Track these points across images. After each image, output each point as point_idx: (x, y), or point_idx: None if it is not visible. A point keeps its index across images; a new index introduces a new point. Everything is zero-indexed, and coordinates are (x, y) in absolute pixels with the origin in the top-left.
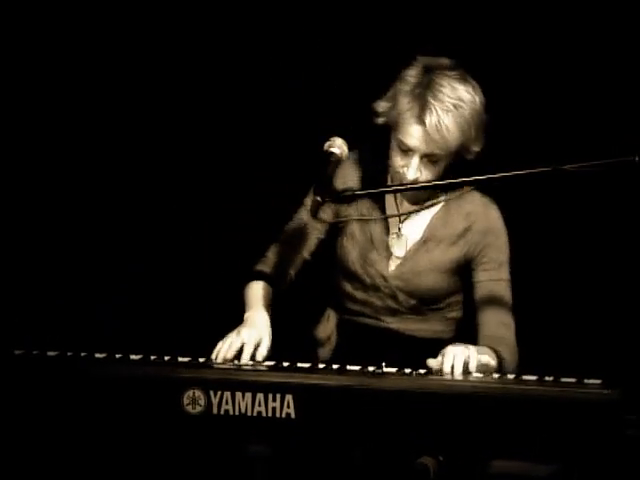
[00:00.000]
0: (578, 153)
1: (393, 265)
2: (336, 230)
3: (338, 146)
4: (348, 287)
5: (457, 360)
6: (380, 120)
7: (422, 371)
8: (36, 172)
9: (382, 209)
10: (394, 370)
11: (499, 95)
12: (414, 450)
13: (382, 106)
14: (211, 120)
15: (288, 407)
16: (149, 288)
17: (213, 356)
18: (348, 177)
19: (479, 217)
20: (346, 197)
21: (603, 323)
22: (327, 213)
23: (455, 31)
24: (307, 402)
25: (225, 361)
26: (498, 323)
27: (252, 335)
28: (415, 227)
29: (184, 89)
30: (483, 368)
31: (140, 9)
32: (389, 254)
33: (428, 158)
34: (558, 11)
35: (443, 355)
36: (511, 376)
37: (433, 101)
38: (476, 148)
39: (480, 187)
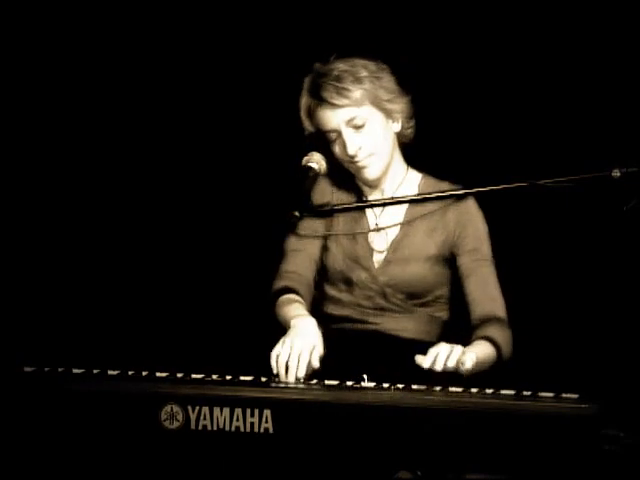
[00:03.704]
0: (556, 168)
1: (378, 260)
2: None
3: (316, 161)
4: (334, 292)
5: (440, 355)
6: (315, 140)
7: (400, 385)
8: (35, 181)
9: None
10: (372, 385)
11: (481, 108)
12: (392, 465)
13: (304, 125)
14: (213, 127)
15: (266, 422)
16: (141, 298)
17: (275, 370)
18: (325, 192)
19: (452, 202)
20: (324, 212)
21: (581, 337)
22: (319, 228)
23: (434, 46)
24: (285, 417)
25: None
26: (486, 303)
27: (305, 344)
28: (392, 218)
29: (184, 93)
30: (482, 366)
31: (133, 10)
32: (372, 250)
33: (353, 126)
34: (532, 24)
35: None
36: (489, 390)
37: (324, 79)
38: (392, 96)
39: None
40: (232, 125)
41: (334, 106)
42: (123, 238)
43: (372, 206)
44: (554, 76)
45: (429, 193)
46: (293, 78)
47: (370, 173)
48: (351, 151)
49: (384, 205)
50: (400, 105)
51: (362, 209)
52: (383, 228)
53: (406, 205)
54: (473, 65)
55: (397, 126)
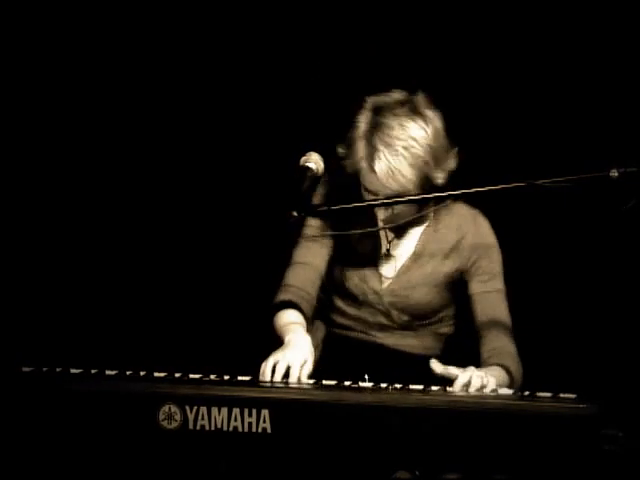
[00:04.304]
0: (554, 168)
1: (386, 282)
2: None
3: (314, 161)
4: (340, 303)
5: (473, 384)
6: (344, 162)
7: (398, 386)
8: (34, 181)
9: (374, 224)
10: (370, 385)
11: (479, 111)
12: (390, 465)
13: (342, 152)
14: (210, 128)
15: (264, 422)
16: (139, 298)
17: (261, 377)
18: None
19: (469, 229)
20: (322, 212)
21: (579, 337)
22: (325, 228)
23: (430, 49)
24: (283, 417)
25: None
26: (499, 334)
27: (297, 357)
28: (405, 243)
29: (183, 95)
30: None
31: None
32: (380, 274)
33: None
34: (531, 27)
35: (463, 371)
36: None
37: (382, 147)
38: (441, 174)
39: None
40: (230, 126)
41: (381, 182)
42: (121, 239)
43: (371, 206)
44: (553, 77)
45: (427, 197)
46: (292, 79)
47: (384, 212)
48: (380, 216)
49: (383, 205)
50: (443, 175)
51: (376, 232)
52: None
53: (419, 231)
54: (472, 66)
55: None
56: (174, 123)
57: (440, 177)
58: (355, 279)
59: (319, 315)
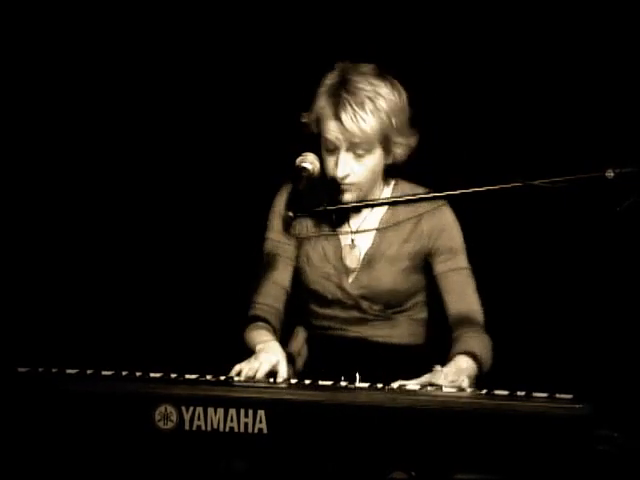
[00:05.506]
0: (551, 168)
1: (351, 276)
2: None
3: (310, 161)
4: (313, 305)
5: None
6: (307, 130)
7: (394, 386)
8: (28, 181)
9: (332, 224)
10: (366, 385)
11: (473, 109)
12: (386, 465)
13: (305, 115)
14: (207, 129)
15: (260, 422)
16: (134, 299)
17: (233, 374)
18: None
19: (426, 212)
20: (318, 212)
21: (575, 338)
22: (286, 238)
23: (427, 48)
24: (279, 417)
25: (248, 379)
26: (466, 313)
27: (269, 358)
28: (366, 234)
29: (179, 93)
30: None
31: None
32: (344, 267)
33: (353, 152)
34: (529, 26)
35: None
36: (483, 391)
37: (347, 96)
38: (401, 139)
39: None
40: (226, 126)
41: (343, 129)
42: (117, 239)
43: (365, 207)
44: (549, 77)
45: (424, 197)
46: (289, 79)
47: (346, 199)
48: (340, 174)
49: (373, 207)
50: (404, 148)
51: (337, 229)
52: (361, 231)
53: (377, 220)
54: (469, 66)
55: (390, 159)
56: (168, 124)
57: (400, 146)
58: (321, 280)
59: (298, 321)
